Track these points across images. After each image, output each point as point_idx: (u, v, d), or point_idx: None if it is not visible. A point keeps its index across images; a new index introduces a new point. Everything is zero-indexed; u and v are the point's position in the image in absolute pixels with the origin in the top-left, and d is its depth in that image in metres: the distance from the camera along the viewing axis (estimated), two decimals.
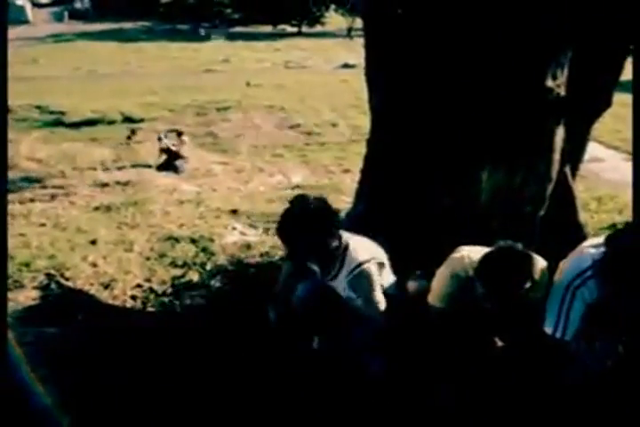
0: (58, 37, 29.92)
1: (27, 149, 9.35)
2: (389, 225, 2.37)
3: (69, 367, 2.11)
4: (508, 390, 1.93)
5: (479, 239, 2.01)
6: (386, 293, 2.00)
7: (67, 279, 2.94)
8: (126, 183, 6.90)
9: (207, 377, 2.10)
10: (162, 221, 4.11)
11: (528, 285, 1.74)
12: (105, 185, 6.68)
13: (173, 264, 3.15)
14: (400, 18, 2.12)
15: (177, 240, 3.50)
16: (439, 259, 2.03)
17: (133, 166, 9.10)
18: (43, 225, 4.17)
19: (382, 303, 1.95)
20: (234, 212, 4.39)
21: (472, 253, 1.93)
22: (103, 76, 19.09)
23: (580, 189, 3.01)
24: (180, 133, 10.26)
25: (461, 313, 1.95)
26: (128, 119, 12.63)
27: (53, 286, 2.89)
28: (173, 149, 9.15)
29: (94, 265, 3.13)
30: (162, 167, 8.98)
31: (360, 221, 2.64)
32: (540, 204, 2.37)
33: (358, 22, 25.36)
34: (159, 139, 9.26)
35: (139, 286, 2.91)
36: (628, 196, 4.11)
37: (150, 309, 2.70)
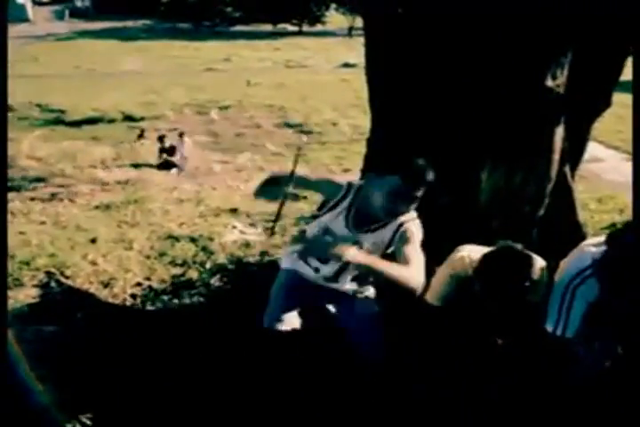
0: (58, 36, 29.94)
1: (27, 148, 9.36)
2: None
3: (69, 366, 2.12)
4: (507, 389, 1.94)
5: (479, 239, 2.01)
6: None
7: (67, 278, 2.94)
8: (126, 182, 6.90)
9: (207, 376, 2.11)
10: (162, 220, 4.11)
11: (527, 284, 1.74)
12: (105, 184, 6.69)
13: (173, 263, 3.16)
14: (400, 17, 2.12)
15: (177, 239, 3.51)
16: (438, 258, 2.03)
17: (133, 165, 9.12)
18: (43, 223, 4.18)
19: (421, 267, 1.73)
20: (234, 211, 4.40)
21: (472, 252, 1.93)
22: (104, 75, 19.10)
23: (579, 189, 3.01)
24: (181, 134, 10.28)
25: (459, 313, 1.95)
26: (128, 118, 12.65)
27: (53, 284, 2.89)
28: (174, 145, 9.17)
29: (94, 263, 3.13)
30: (162, 166, 9.00)
31: None
32: (540, 203, 2.37)
33: (359, 21, 25.37)
34: (160, 140, 9.26)
35: (138, 284, 2.91)
36: (627, 196, 4.12)
37: (150, 307, 2.71)
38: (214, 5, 32.66)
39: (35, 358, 1.80)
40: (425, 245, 1.81)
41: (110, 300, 2.77)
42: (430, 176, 1.73)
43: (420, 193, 1.73)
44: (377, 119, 2.50)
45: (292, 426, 1.90)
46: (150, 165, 9.04)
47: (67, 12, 37.46)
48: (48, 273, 2.97)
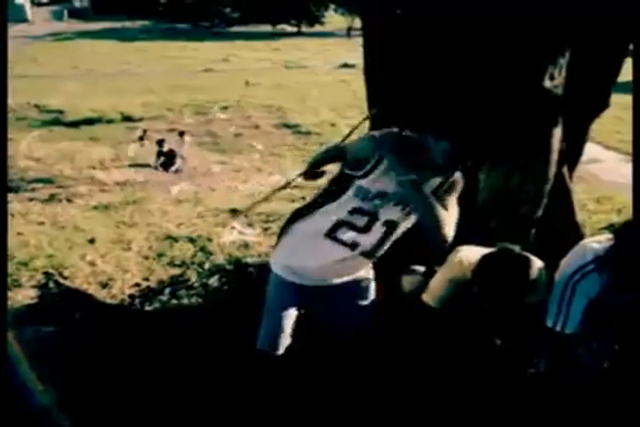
0: (57, 36, 29.91)
1: (25, 148, 9.34)
2: None
3: (68, 366, 2.11)
4: (506, 390, 1.94)
5: (477, 239, 2.01)
6: None
7: (65, 278, 2.94)
8: (125, 182, 6.90)
9: (205, 377, 2.10)
10: (160, 221, 4.11)
11: (526, 286, 1.74)
12: (104, 184, 6.68)
13: (172, 264, 3.15)
14: (399, 18, 2.12)
15: (175, 240, 3.51)
16: (437, 258, 2.03)
17: (132, 166, 9.11)
18: (41, 224, 4.18)
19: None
20: (232, 211, 4.40)
21: (470, 254, 1.93)
22: (102, 76, 19.08)
23: (578, 189, 3.01)
24: (181, 133, 10.26)
25: (457, 315, 1.95)
26: (127, 118, 12.62)
27: (52, 285, 2.89)
28: (173, 149, 9.14)
29: (92, 264, 3.13)
30: (160, 167, 8.98)
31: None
32: (538, 204, 2.38)
33: (357, 22, 25.39)
34: (159, 144, 9.23)
35: (137, 285, 2.91)
36: (626, 196, 4.13)
37: (148, 308, 2.71)
38: (213, 6, 32.66)
39: (33, 359, 1.79)
40: (423, 245, 1.80)
41: (109, 300, 2.77)
42: None
43: None
44: (376, 120, 2.50)
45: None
46: (148, 166, 9.03)
47: (65, 13, 37.42)
48: (46, 274, 2.97)
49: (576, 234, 2.57)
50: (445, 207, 1.67)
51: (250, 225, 3.98)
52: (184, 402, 1.99)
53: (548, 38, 2.03)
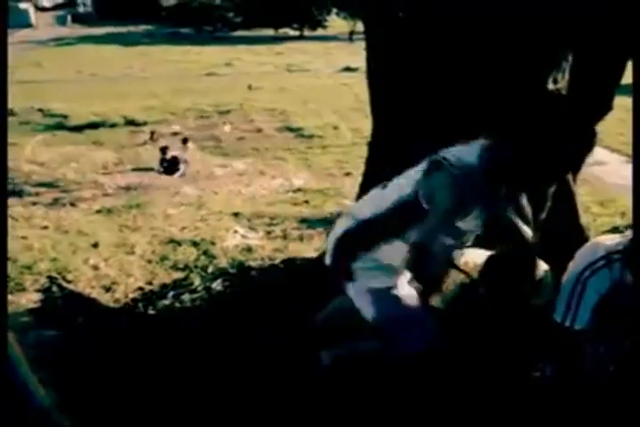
0: (61, 41, 30.11)
1: (29, 153, 9.39)
2: None
3: (70, 370, 2.11)
4: (510, 393, 1.93)
5: (480, 242, 2.00)
6: None
7: (68, 282, 2.95)
8: (128, 186, 6.92)
9: (208, 381, 2.10)
10: (163, 224, 4.12)
11: (531, 288, 1.74)
12: (107, 188, 6.70)
13: (175, 267, 3.15)
14: (402, 21, 2.12)
15: (178, 243, 3.51)
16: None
17: (135, 170, 9.14)
18: (45, 228, 4.19)
19: None
20: (235, 215, 4.40)
21: (475, 256, 1.93)
22: (105, 80, 19.17)
23: (582, 192, 3.01)
24: (185, 140, 10.30)
25: (462, 316, 1.94)
26: (130, 122, 12.68)
27: (55, 288, 2.89)
28: (176, 156, 9.17)
29: (96, 268, 3.13)
30: (163, 170, 9.01)
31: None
32: (542, 207, 2.37)
33: (360, 26, 25.45)
34: (162, 151, 9.26)
35: (140, 288, 2.91)
36: (629, 199, 4.11)
37: (151, 312, 2.70)
38: (215, 10, 32.81)
39: (36, 363, 1.79)
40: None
41: (112, 304, 2.77)
42: None
43: None
44: (378, 123, 2.50)
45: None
46: (152, 169, 9.06)
47: (69, 18, 37.66)
48: (50, 278, 2.97)
49: (580, 237, 2.56)
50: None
51: (253, 229, 3.98)
52: (187, 405, 1.98)
53: (551, 41, 2.03)
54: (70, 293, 2.87)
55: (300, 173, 8.39)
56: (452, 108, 2.15)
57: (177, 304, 2.75)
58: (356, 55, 17.89)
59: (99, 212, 4.82)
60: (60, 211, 5.15)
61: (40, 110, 13.39)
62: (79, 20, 37.56)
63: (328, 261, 1.90)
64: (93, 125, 12.20)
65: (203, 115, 13.04)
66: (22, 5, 35.16)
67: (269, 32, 32.74)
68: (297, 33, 32.85)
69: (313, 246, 3.48)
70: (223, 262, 3.19)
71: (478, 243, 2.02)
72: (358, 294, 1.80)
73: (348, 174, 8.00)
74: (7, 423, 1.25)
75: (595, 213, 4.25)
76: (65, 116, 12.82)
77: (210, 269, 3.09)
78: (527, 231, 1.81)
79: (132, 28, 34.26)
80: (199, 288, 2.89)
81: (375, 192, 1.86)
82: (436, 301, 2.00)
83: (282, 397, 1.94)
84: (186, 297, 2.81)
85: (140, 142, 10.65)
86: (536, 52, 2.02)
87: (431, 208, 1.60)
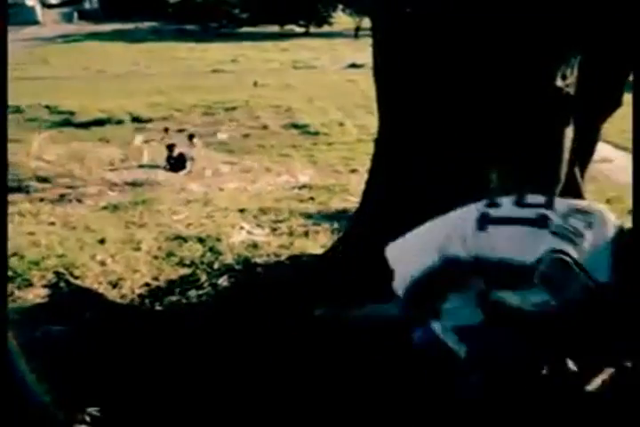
0: (67, 38, 30.20)
1: (36, 149, 9.43)
2: (397, 225, 2.36)
3: (77, 365, 2.12)
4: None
5: None
6: None
7: (75, 278, 2.96)
8: (134, 183, 6.94)
9: (214, 377, 2.11)
10: (169, 221, 4.13)
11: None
12: (113, 184, 6.73)
13: (181, 263, 3.16)
14: (409, 17, 2.12)
15: (184, 239, 3.52)
16: None
17: (141, 166, 9.17)
18: (52, 224, 4.21)
19: None
20: (241, 211, 4.41)
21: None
22: (112, 77, 19.22)
23: (589, 189, 2.98)
24: (191, 137, 10.33)
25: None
26: (136, 119, 12.72)
27: (62, 284, 2.91)
28: (183, 153, 9.20)
29: (103, 264, 3.15)
30: (169, 167, 9.04)
31: (368, 222, 2.64)
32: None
33: (365, 22, 25.37)
34: (169, 148, 9.28)
35: (146, 284, 2.93)
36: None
37: (158, 307, 2.72)
38: (221, 7, 32.78)
39: (43, 358, 1.81)
40: None
41: (119, 300, 2.79)
42: None
43: None
44: (384, 120, 2.50)
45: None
46: (157, 166, 9.08)
47: (75, 15, 37.74)
48: (57, 273, 2.99)
49: None
50: None
51: (259, 225, 3.98)
52: (194, 402, 1.99)
53: (560, 37, 2.01)
54: (77, 288, 2.88)
55: (306, 169, 8.39)
56: (458, 104, 2.14)
57: (183, 300, 2.76)
58: (362, 52, 17.87)
59: (105, 208, 4.84)
60: (66, 207, 5.18)
61: (47, 107, 13.44)
62: (85, 16, 37.63)
63: (407, 297, 1.62)
64: (100, 122, 12.25)
65: (208, 111, 13.05)
66: (29, 2, 35.26)
67: (275, 29, 32.69)
68: (303, 29, 32.79)
69: (319, 243, 3.48)
70: (229, 259, 3.20)
71: None
72: (444, 330, 1.59)
73: (353, 171, 7.99)
74: (7, 419, 1.26)
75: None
76: (72, 113, 12.86)
77: (216, 266, 3.10)
78: None
79: (138, 25, 34.31)
80: (205, 284, 2.90)
81: (467, 225, 1.57)
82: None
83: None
84: (192, 293, 2.82)
85: (150, 139, 10.68)
86: (545, 48, 2.01)
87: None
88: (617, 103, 2.40)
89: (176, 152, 9.22)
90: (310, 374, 2.04)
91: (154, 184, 7.19)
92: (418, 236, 1.72)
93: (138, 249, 3.39)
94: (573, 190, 2.49)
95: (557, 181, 2.32)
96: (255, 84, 16.27)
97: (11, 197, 5.85)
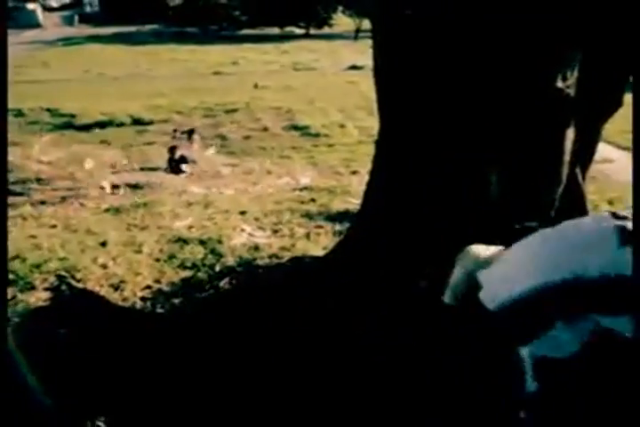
0: (68, 41, 30.27)
1: (37, 152, 9.44)
2: (398, 226, 2.36)
3: (79, 368, 2.13)
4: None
5: (488, 241, 1.99)
6: None
7: (77, 281, 2.96)
8: (135, 185, 6.95)
9: (216, 378, 2.11)
10: (171, 223, 4.13)
11: None
12: (115, 187, 6.74)
13: (182, 266, 3.17)
14: (409, 19, 2.12)
15: (186, 242, 3.52)
16: (447, 259, 2.02)
17: (143, 169, 9.17)
18: (53, 227, 4.21)
19: None
20: (242, 213, 4.41)
21: (480, 250, 1.92)
22: (113, 79, 19.26)
23: (590, 190, 2.98)
24: (191, 132, 10.35)
25: (470, 310, 1.93)
26: (137, 121, 12.73)
27: (64, 287, 2.91)
28: (184, 156, 9.21)
29: (104, 267, 3.15)
30: (170, 169, 9.04)
31: (369, 223, 2.64)
32: (550, 205, 2.36)
33: (365, 24, 25.39)
34: (171, 151, 9.29)
35: (148, 287, 2.93)
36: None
37: (160, 310, 2.72)
38: (221, 10, 32.85)
39: (46, 361, 1.81)
40: (433, 246, 1.80)
41: (121, 303, 2.79)
42: None
43: None
44: (385, 121, 2.50)
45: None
46: (159, 168, 9.09)
47: (76, 18, 37.84)
48: (59, 276, 2.99)
49: None
50: None
51: (260, 227, 3.98)
52: (196, 404, 1.99)
53: (560, 38, 2.01)
54: (79, 291, 2.88)
55: (307, 171, 8.40)
56: (459, 106, 2.14)
57: (185, 302, 2.76)
58: (362, 53, 17.88)
59: (107, 210, 4.84)
60: (68, 209, 5.18)
61: (48, 110, 13.46)
62: (86, 19, 37.74)
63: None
64: (101, 124, 12.27)
65: (209, 114, 13.06)
66: (30, 6, 35.38)
67: (275, 30, 32.72)
68: (303, 31, 32.82)
69: (320, 244, 3.48)
70: (230, 261, 3.20)
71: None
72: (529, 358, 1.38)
73: (354, 173, 7.99)
74: (7, 420, 1.26)
75: (604, 212, 4.22)
76: (73, 116, 12.88)
77: (217, 268, 3.10)
78: None
79: (138, 28, 34.38)
80: (207, 286, 2.91)
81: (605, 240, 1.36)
82: (446, 297, 1.82)
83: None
84: (193, 295, 2.82)
85: (161, 141, 10.71)
86: (545, 49, 2.01)
87: None
88: (618, 104, 2.40)
89: (177, 154, 9.23)
90: (311, 375, 2.04)
91: (155, 186, 7.20)
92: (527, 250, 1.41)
93: (139, 252, 3.39)
94: (575, 192, 2.49)
95: (558, 183, 2.32)
96: (256, 85, 16.28)
97: (12, 200, 5.86)
